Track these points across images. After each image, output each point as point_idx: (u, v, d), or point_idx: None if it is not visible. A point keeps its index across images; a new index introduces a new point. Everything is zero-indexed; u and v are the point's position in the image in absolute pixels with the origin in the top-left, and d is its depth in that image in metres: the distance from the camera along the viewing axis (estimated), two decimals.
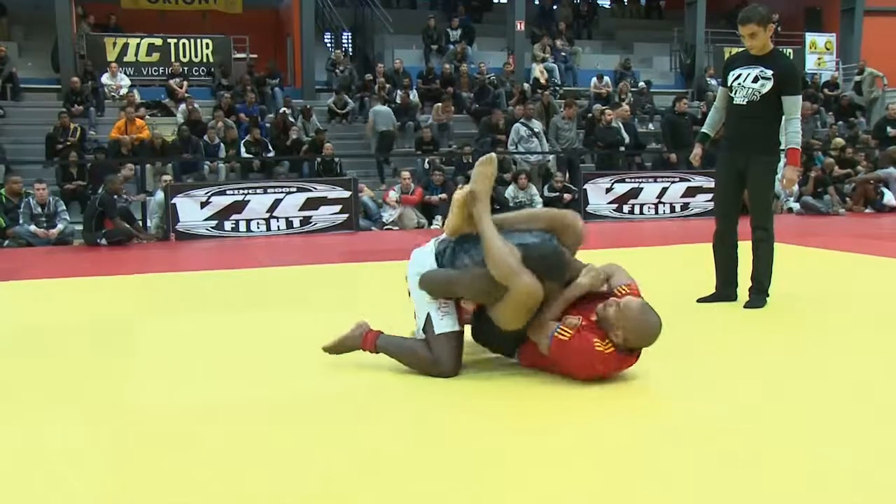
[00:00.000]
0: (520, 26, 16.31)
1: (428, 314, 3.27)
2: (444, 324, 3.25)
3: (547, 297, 3.10)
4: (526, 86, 15.25)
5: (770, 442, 2.52)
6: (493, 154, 3.41)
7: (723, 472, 2.28)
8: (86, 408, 2.97)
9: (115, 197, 9.29)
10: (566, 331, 3.06)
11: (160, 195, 10.01)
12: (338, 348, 3.45)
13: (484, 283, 3.11)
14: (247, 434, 2.64)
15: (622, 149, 13.07)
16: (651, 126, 14.86)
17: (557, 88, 15.61)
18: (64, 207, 9.66)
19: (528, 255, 3.08)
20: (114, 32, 15.45)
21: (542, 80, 15.63)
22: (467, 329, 3.41)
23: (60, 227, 9.37)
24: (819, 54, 18.64)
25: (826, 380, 3.25)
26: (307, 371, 3.44)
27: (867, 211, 12.18)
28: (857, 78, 17.44)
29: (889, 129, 14.21)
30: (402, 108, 13.99)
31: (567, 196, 11.53)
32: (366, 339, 3.40)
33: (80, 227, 9.39)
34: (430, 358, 3.23)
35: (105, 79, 13.96)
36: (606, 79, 15.81)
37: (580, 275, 3.22)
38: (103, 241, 9.04)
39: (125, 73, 14.31)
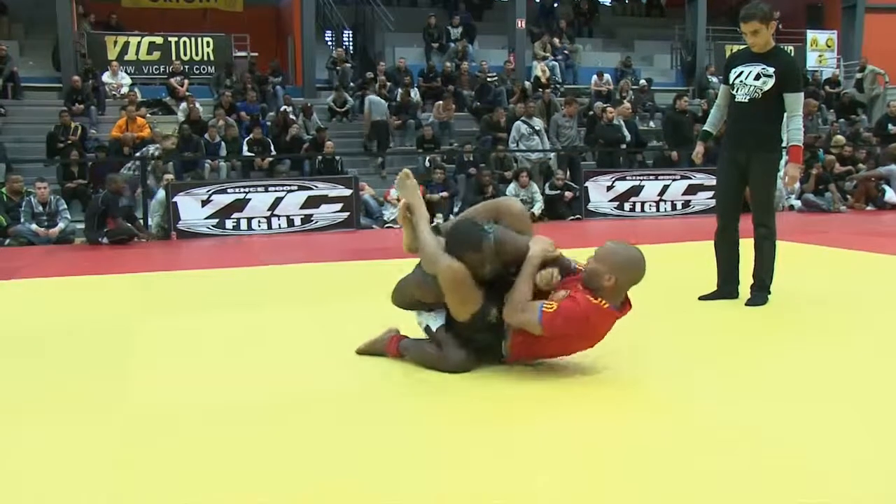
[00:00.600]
0: (520, 24, 16.30)
1: (427, 326, 3.40)
2: (439, 319, 3.36)
3: (482, 265, 3.13)
4: (527, 84, 15.25)
5: (770, 442, 2.52)
6: (406, 169, 3.72)
7: (723, 472, 2.27)
8: (86, 407, 2.97)
9: (117, 196, 9.30)
10: (552, 303, 3.07)
11: (161, 194, 10.00)
12: (368, 350, 3.60)
13: (422, 277, 3.30)
14: (247, 434, 2.64)
15: (623, 146, 13.06)
16: (652, 124, 14.84)
17: (558, 86, 15.61)
18: (65, 206, 9.66)
19: (447, 236, 3.29)
20: (114, 31, 15.46)
21: (543, 78, 15.62)
22: None
23: (61, 225, 9.38)
24: (820, 52, 18.62)
25: (827, 378, 3.24)
26: (307, 370, 3.44)
27: (868, 208, 12.18)
28: (859, 75, 17.42)
29: (890, 126, 14.20)
30: (402, 105, 13.99)
31: (568, 194, 11.51)
32: (391, 343, 3.53)
33: (81, 226, 9.39)
34: (438, 354, 3.32)
35: (106, 77, 13.95)
36: (607, 76, 15.80)
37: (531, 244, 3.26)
38: (105, 240, 9.05)
39: (126, 72, 14.32)
